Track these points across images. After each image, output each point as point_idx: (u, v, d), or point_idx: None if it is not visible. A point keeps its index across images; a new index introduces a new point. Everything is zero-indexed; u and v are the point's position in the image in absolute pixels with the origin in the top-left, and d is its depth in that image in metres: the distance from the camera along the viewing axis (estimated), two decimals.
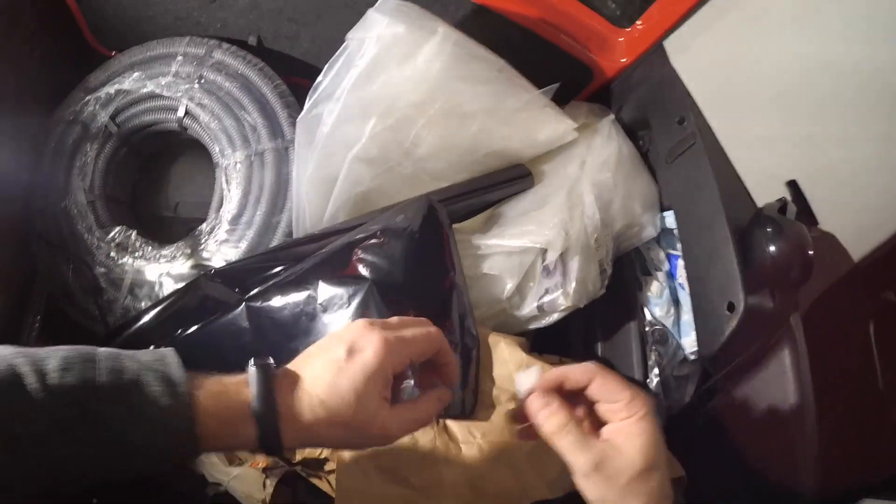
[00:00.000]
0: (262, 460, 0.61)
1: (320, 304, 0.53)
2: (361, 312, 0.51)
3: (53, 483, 0.34)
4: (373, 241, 0.55)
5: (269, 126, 0.70)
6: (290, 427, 0.36)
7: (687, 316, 0.72)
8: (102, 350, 0.36)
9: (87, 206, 0.77)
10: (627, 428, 0.38)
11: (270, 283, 0.57)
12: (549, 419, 0.38)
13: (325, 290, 0.53)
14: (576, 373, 0.40)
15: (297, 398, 0.36)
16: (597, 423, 0.40)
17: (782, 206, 0.59)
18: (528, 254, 0.59)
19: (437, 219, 0.57)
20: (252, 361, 0.37)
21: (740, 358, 0.60)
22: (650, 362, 0.69)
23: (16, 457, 0.32)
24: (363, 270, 0.53)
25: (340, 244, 0.56)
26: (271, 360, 0.38)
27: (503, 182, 0.64)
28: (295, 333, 0.54)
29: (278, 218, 0.67)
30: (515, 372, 0.49)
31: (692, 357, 0.71)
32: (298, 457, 0.57)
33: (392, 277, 0.52)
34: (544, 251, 0.59)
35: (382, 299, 0.51)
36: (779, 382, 0.56)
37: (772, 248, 0.57)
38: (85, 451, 0.33)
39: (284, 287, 0.56)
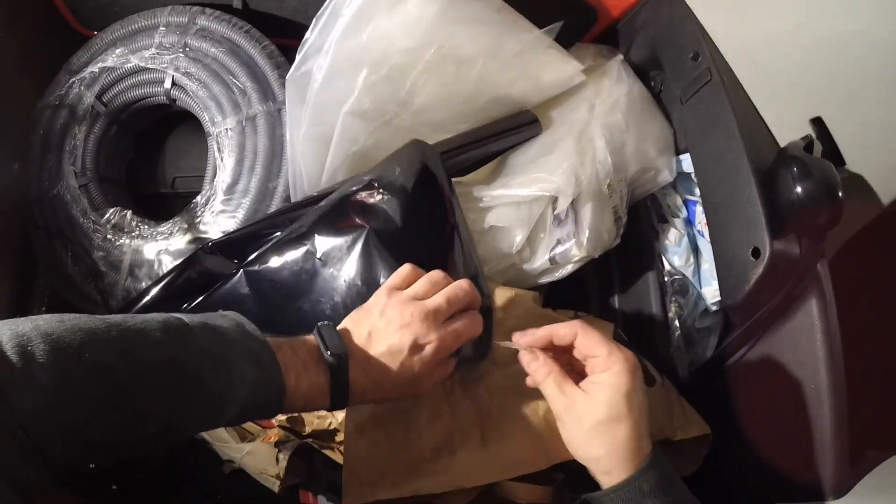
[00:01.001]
0: (273, 434, 0.59)
1: (319, 258, 0.51)
2: (363, 262, 0.49)
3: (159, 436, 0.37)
4: (367, 191, 0.52)
5: (259, 89, 0.67)
6: (358, 391, 0.42)
7: (707, 264, 0.68)
8: (196, 317, 0.39)
9: (80, 190, 0.75)
10: (600, 379, 0.41)
11: (266, 246, 0.55)
12: (536, 370, 0.43)
13: (322, 244, 0.51)
14: (561, 330, 0.44)
15: (363, 372, 0.42)
16: (583, 376, 0.43)
17: (808, 144, 0.55)
18: (537, 203, 0.55)
19: (432, 171, 0.53)
20: (319, 328, 0.42)
21: (765, 308, 0.57)
22: (670, 314, 0.66)
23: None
24: (359, 219, 0.50)
25: (334, 197, 0.53)
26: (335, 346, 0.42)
27: (508, 130, 0.61)
28: (297, 293, 0.52)
29: (275, 183, 0.64)
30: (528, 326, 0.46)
31: (714, 308, 0.67)
32: (308, 429, 0.55)
33: (391, 224, 0.50)
34: (554, 199, 0.56)
35: (384, 245, 0.48)
36: (806, 333, 0.52)
37: (798, 190, 0.53)
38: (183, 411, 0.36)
39: (280, 247, 0.54)
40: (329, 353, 0.41)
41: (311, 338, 0.42)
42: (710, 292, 0.67)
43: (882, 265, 0.65)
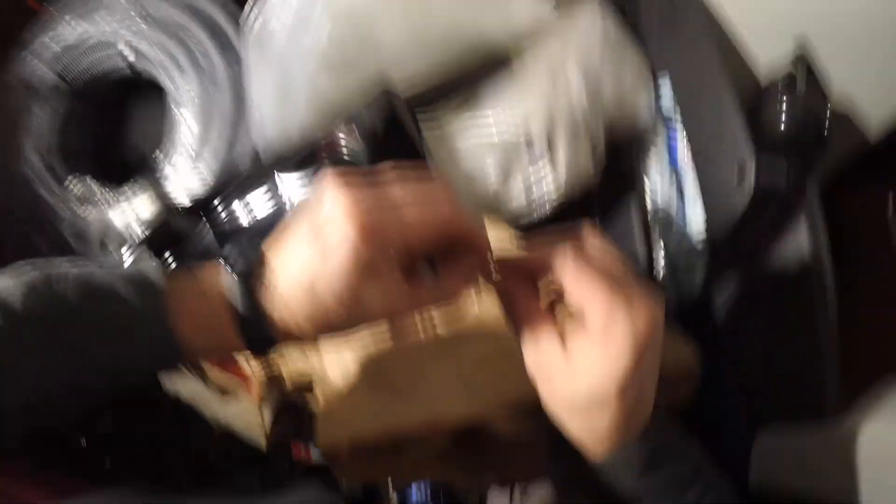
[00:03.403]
0: (256, 391, 0.58)
1: (284, 200, 0.49)
2: None
3: (35, 411, 0.31)
4: (335, 137, 0.50)
5: (219, 47, 0.65)
6: (281, 325, 0.31)
7: (692, 198, 0.67)
8: (70, 266, 0.32)
9: (45, 169, 0.73)
10: (588, 351, 0.30)
11: (231, 194, 0.53)
12: (512, 303, 0.33)
13: (287, 181, 0.49)
14: (543, 262, 0.32)
15: (278, 304, 0.30)
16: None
17: (792, 69, 0.53)
18: (510, 142, 0.53)
19: (401, 118, 0.52)
20: (225, 256, 0.31)
21: (753, 241, 0.55)
22: (655, 252, 0.64)
23: None
24: (326, 164, 0.48)
25: (302, 145, 0.51)
26: (249, 253, 0.32)
27: (481, 74, 0.59)
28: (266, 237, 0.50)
29: (241, 139, 0.62)
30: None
31: (700, 242, 0.66)
32: (288, 379, 0.53)
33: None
34: (528, 136, 0.54)
35: None
36: (796, 260, 0.51)
37: (784, 113, 0.52)
38: (59, 374, 0.30)
39: (243, 192, 0.52)
40: (229, 266, 0.31)
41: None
42: (697, 226, 0.66)
43: (871, 196, 0.64)
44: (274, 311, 0.30)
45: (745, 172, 0.52)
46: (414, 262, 0.32)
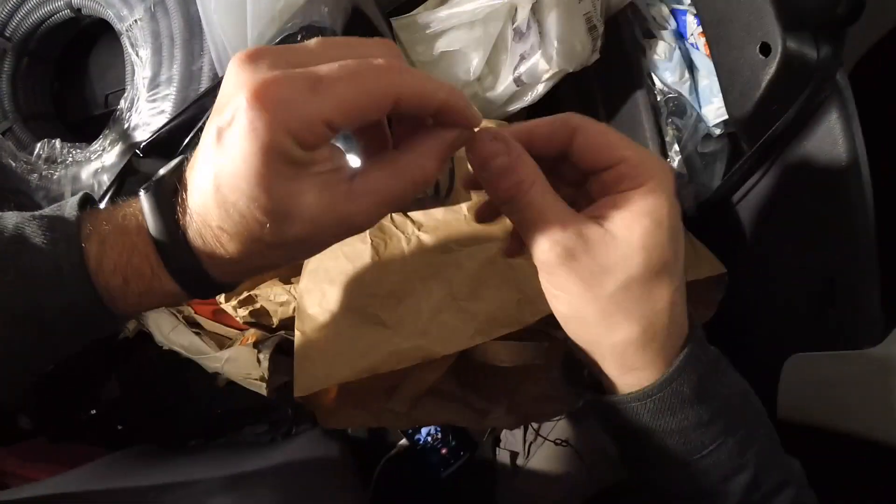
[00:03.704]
0: (250, 336, 0.54)
1: None
2: None
3: None
4: (292, 41, 0.44)
5: None
6: (210, 262, 0.25)
7: (707, 80, 0.60)
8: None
9: (6, 136, 0.69)
10: (630, 202, 0.24)
11: (194, 131, 0.48)
12: (504, 173, 0.25)
13: None
14: (547, 126, 0.26)
15: (196, 223, 0.24)
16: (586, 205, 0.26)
17: None
18: (492, 17, 0.47)
19: (362, 10, 0.45)
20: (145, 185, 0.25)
21: (778, 123, 0.48)
22: (667, 138, 0.58)
23: None
24: None
25: None
26: (164, 171, 0.26)
27: None
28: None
29: (198, 64, 0.56)
30: None
31: (718, 131, 0.59)
32: (275, 320, 0.49)
33: None
34: (512, 9, 0.47)
35: None
36: (826, 151, 0.44)
37: None
38: None
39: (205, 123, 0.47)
40: (144, 189, 0.25)
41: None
42: (712, 111, 0.59)
43: None
44: (194, 234, 0.24)
45: (770, 49, 0.45)
46: (365, 147, 0.26)
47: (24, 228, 0.25)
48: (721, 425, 0.27)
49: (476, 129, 0.25)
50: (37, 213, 0.27)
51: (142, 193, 0.25)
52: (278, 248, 0.24)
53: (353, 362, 0.37)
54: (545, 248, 0.25)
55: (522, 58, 0.47)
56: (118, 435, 0.67)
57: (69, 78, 0.74)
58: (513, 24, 0.47)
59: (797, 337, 0.46)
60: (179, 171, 0.25)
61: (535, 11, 0.48)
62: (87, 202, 0.28)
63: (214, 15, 0.54)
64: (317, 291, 0.39)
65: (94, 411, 0.68)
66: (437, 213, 0.40)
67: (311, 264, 0.41)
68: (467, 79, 0.47)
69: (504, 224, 0.31)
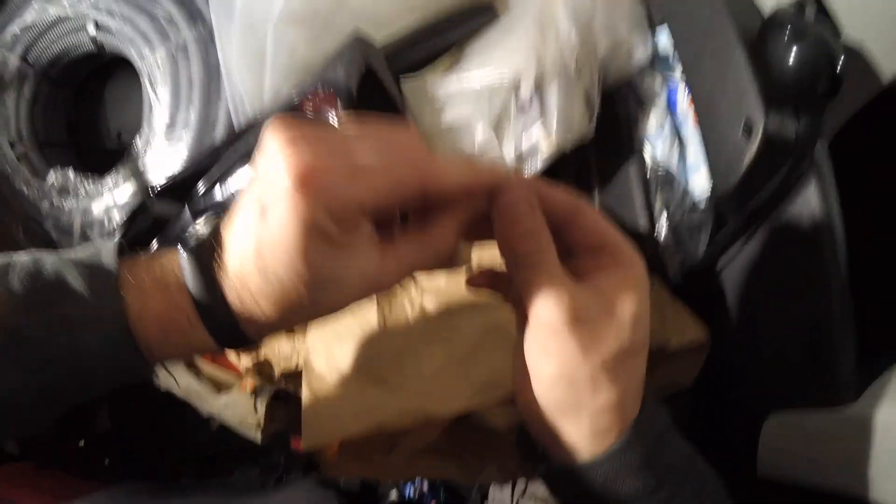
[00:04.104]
0: (249, 383, 0.56)
1: None
2: None
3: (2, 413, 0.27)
4: (309, 100, 0.46)
5: (185, 13, 0.61)
6: (243, 313, 0.26)
7: (694, 152, 0.63)
8: (24, 255, 0.28)
9: (20, 160, 0.71)
10: (619, 283, 0.27)
11: (213, 177, 0.50)
12: (528, 234, 0.27)
13: None
14: (558, 196, 0.28)
15: (234, 284, 0.26)
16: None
17: (799, 7, 0.49)
18: (497, 91, 0.49)
19: (376, 71, 0.48)
20: (182, 236, 0.27)
21: (760, 195, 0.51)
22: (656, 210, 0.60)
23: None
24: None
25: (275, 111, 0.48)
26: (202, 230, 0.27)
27: (461, 19, 0.55)
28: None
29: (215, 110, 0.59)
30: None
31: (704, 201, 0.62)
32: (277, 371, 0.51)
33: None
34: (516, 85, 0.50)
35: None
36: (806, 220, 0.47)
37: (792, 55, 0.48)
38: (13, 376, 0.26)
39: (224, 176, 0.49)
40: (182, 245, 0.27)
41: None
42: (699, 182, 0.62)
43: (884, 144, 0.60)
44: (232, 294, 0.26)
45: (752, 129, 0.48)
46: (389, 223, 0.28)
47: (65, 275, 0.27)
48: (668, 489, 0.29)
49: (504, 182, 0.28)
50: (74, 257, 0.28)
51: (182, 253, 0.27)
52: (310, 311, 0.27)
53: (358, 419, 0.39)
54: (552, 308, 0.26)
55: (524, 130, 0.50)
56: (104, 469, 0.67)
57: (84, 107, 0.76)
58: (516, 97, 0.50)
59: (777, 395, 0.48)
60: (216, 232, 0.27)
61: (539, 86, 0.50)
62: (122, 250, 0.30)
63: (234, 65, 0.56)
64: (324, 349, 0.41)
65: (82, 442, 0.68)
66: (440, 278, 0.43)
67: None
68: (469, 146, 0.50)
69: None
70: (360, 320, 0.41)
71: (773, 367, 0.49)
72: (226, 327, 0.27)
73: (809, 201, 0.47)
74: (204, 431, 0.63)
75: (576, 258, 0.29)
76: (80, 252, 0.29)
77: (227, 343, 0.28)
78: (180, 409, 0.61)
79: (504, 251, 0.28)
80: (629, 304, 0.27)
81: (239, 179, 0.48)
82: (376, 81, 0.47)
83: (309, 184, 0.24)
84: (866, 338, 0.43)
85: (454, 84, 0.50)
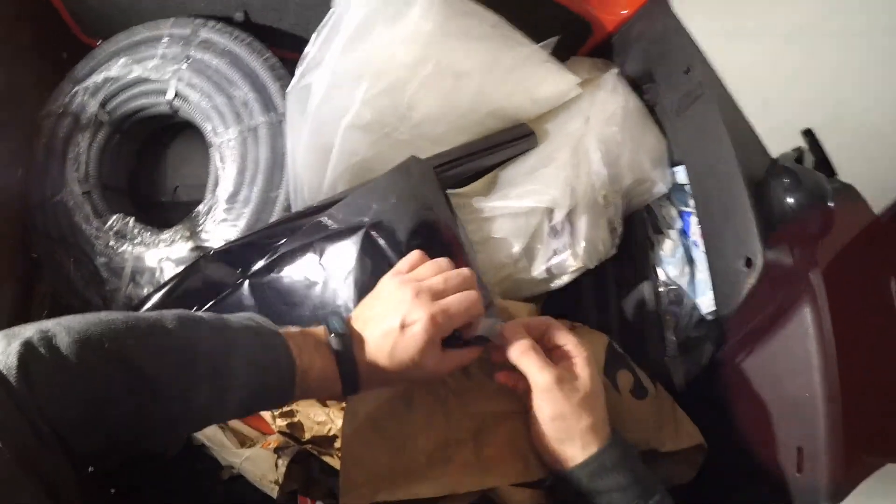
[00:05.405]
0: (273, 440, 0.60)
1: (324, 267, 0.52)
2: (365, 269, 0.51)
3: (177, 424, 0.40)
4: (369, 234, 0.53)
5: (260, 100, 0.68)
6: (365, 373, 0.43)
7: (702, 275, 0.69)
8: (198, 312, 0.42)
9: (83, 197, 0.77)
10: (577, 361, 0.47)
11: (272, 257, 0.56)
12: (520, 343, 0.46)
13: (329, 254, 0.52)
14: (535, 322, 0.49)
15: (365, 354, 0.43)
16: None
17: (799, 155, 0.56)
18: (534, 214, 0.56)
19: (428, 195, 0.54)
20: (327, 317, 0.44)
21: (759, 316, 0.58)
22: (666, 323, 0.67)
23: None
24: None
25: (342, 214, 0.54)
26: (336, 322, 0.44)
27: (504, 143, 0.62)
28: (299, 300, 0.53)
29: (275, 193, 0.65)
30: None
31: (709, 317, 0.68)
32: (307, 435, 0.56)
33: (395, 237, 0.51)
34: (550, 211, 0.57)
35: (389, 252, 0.51)
36: (800, 341, 0.53)
37: (789, 200, 0.55)
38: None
39: (286, 258, 0.55)
40: (332, 335, 0.43)
41: (321, 327, 0.44)
42: (705, 302, 0.68)
43: (874, 273, 0.66)
44: (362, 366, 0.43)
45: (753, 263, 0.54)
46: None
47: (253, 327, 0.42)
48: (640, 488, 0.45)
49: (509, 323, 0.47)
50: (247, 324, 0.42)
51: (333, 341, 0.43)
52: (404, 380, 0.45)
53: (390, 486, 0.45)
54: (546, 377, 0.45)
55: (555, 252, 0.56)
56: (110, 498, 0.69)
57: (147, 161, 0.83)
58: (550, 222, 0.57)
59: (768, 499, 0.52)
60: (348, 324, 0.44)
61: (570, 214, 0.57)
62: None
63: (301, 155, 0.63)
64: (359, 417, 0.47)
65: (91, 468, 0.71)
66: (465, 378, 0.49)
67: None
68: (507, 262, 0.56)
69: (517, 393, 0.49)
70: (388, 396, 0.48)
71: (764, 472, 0.54)
72: (354, 388, 0.43)
73: (804, 322, 0.52)
74: (213, 480, 0.66)
75: (551, 352, 0.48)
76: (248, 321, 0.42)
77: (349, 394, 0.44)
78: (193, 454, 0.64)
79: (512, 357, 0.46)
80: (586, 371, 0.46)
81: (296, 268, 0.53)
82: (429, 203, 0.54)
83: (434, 320, 0.42)
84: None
85: (496, 204, 0.57)
